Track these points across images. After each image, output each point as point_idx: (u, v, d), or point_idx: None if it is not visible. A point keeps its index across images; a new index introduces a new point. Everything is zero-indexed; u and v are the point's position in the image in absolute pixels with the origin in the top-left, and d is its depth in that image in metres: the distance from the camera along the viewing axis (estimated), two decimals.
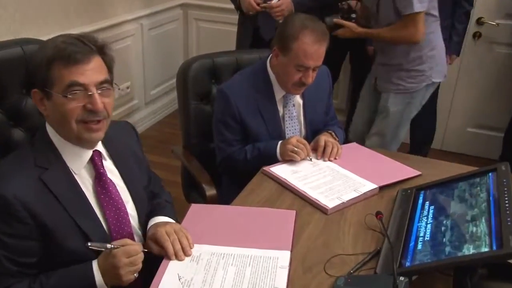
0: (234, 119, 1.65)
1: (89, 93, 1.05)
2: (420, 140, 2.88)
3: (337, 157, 1.64)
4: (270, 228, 1.26)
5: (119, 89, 1.14)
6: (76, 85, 1.04)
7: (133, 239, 1.19)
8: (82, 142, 1.10)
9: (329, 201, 1.39)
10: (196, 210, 1.36)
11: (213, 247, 1.17)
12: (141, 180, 1.28)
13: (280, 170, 1.58)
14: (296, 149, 1.58)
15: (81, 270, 1.06)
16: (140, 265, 1.06)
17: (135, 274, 1.06)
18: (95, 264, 1.06)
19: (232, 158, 1.69)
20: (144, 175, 1.31)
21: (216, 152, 1.74)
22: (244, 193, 1.47)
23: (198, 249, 1.17)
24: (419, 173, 1.56)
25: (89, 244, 1.02)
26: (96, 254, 1.06)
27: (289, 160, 1.60)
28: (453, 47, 2.61)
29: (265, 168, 1.58)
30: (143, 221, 1.24)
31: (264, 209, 1.36)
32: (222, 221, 1.29)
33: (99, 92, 1.06)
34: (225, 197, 1.55)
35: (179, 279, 1.07)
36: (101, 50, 1.09)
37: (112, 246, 1.04)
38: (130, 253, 1.04)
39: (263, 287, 1.05)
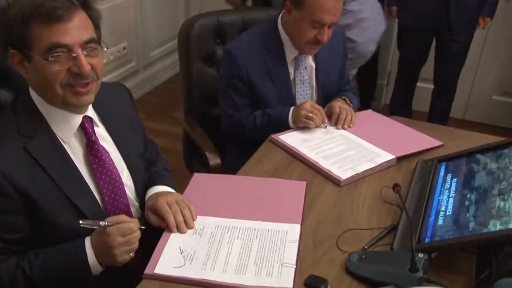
0: (242, 81, 1.63)
1: (74, 54, 1.00)
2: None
3: (351, 125, 1.63)
4: (278, 200, 1.26)
5: (107, 48, 1.10)
6: (58, 47, 0.98)
7: (129, 211, 1.18)
8: (69, 107, 1.06)
9: (343, 172, 1.38)
10: (198, 179, 1.35)
11: (218, 219, 1.17)
12: (136, 147, 1.26)
13: (289, 138, 1.56)
14: (310, 114, 1.57)
15: (73, 248, 1.04)
16: (136, 245, 1.04)
17: (131, 254, 1.05)
18: (87, 241, 1.04)
19: (239, 124, 1.68)
20: (140, 142, 1.29)
21: (222, 117, 1.73)
22: (251, 163, 1.46)
23: (201, 222, 1.16)
24: (440, 143, 1.55)
25: (80, 222, 1.00)
26: (90, 230, 1.04)
27: (300, 127, 1.59)
28: (487, 9, 2.54)
29: (274, 136, 1.58)
30: (140, 191, 1.22)
31: (272, 180, 1.36)
32: (227, 191, 1.29)
33: (85, 53, 1.01)
34: (230, 167, 1.55)
35: (181, 253, 1.07)
36: (85, 4, 1.03)
37: (106, 223, 1.01)
38: (125, 232, 1.02)
39: (271, 262, 1.05)
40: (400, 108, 2.94)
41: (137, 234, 1.04)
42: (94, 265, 1.03)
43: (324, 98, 1.75)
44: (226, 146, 1.85)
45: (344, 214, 1.24)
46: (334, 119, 1.63)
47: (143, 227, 1.09)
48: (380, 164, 1.43)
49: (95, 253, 1.03)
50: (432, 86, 2.91)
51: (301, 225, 1.17)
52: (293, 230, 1.14)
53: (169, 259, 1.05)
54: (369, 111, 1.80)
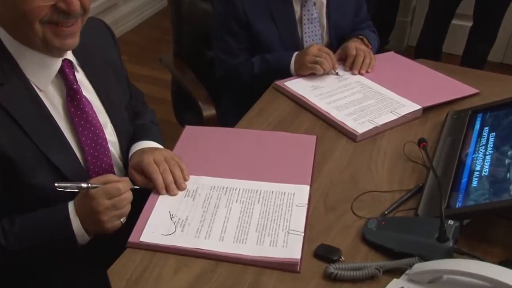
0: (239, 22, 1.62)
1: None
2: None
3: (369, 70, 1.62)
4: (284, 157, 1.25)
5: None
6: None
7: (113, 172, 1.17)
8: (49, 49, 1.02)
9: (359, 125, 1.37)
10: (191, 133, 1.34)
11: (214, 179, 1.16)
12: (121, 96, 1.25)
13: (297, 85, 1.56)
14: (317, 58, 1.55)
15: (55, 214, 1.02)
16: (127, 208, 1.03)
17: (121, 220, 1.03)
18: (71, 206, 1.02)
19: (235, 72, 1.68)
20: (124, 90, 1.28)
21: (215, 64, 1.72)
22: (251, 114, 1.46)
23: (194, 182, 1.16)
24: (476, 91, 1.54)
25: (56, 185, 0.98)
26: (71, 194, 1.02)
27: (308, 75, 1.59)
28: None
29: (278, 82, 1.57)
30: (125, 149, 1.21)
31: (276, 133, 1.35)
32: (224, 147, 1.28)
33: None
34: (227, 119, 1.57)
35: (171, 218, 1.06)
36: None
37: (89, 185, 1.00)
38: (111, 194, 1.00)
39: (275, 229, 1.04)
40: (428, 49, 2.91)
41: (127, 196, 1.03)
42: (80, 234, 1.01)
43: (337, 39, 1.74)
44: (222, 94, 1.84)
45: (361, 174, 1.23)
46: (349, 63, 1.62)
47: (136, 187, 1.08)
48: (404, 116, 1.41)
49: (80, 220, 1.01)
50: (469, 24, 2.84)
51: (311, 186, 1.16)
52: (301, 192, 1.13)
53: (157, 225, 1.04)
54: (391, 53, 1.79)
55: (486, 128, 1.27)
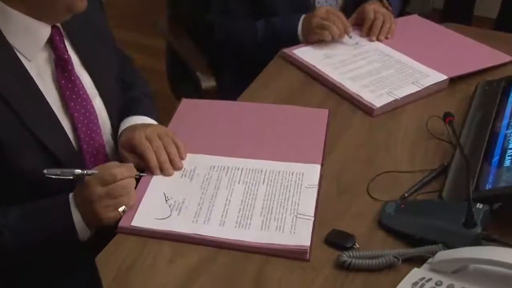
0: None
1: None
2: None
3: (389, 36, 1.62)
4: (292, 133, 1.25)
5: None
6: None
7: (104, 152, 1.17)
8: (41, 12, 1.03)
9: (376, 98, 1.37)
10: (188, 107, 1.34)
11: (213, 158, 1.17)
12: (110, 67, 1.25)
13: (307, 53, 1.56)
14: (325, 22, 1.54)
15: (55, 206, 1.02)
16: (126, 198, 1.02)
17: (120, 210, 1.01)
18: (71, 198, 1.02)
19: (236, 37, 1.68)
20: (113, 59, 1.28)
21: (215, 27, 1.72)
22: (256, 86, 1.46)
23: (192, 161, 1.16)
24: (511, 58, 1.53)
25: (45, 171, 0.98)
26: (71, 182, 1.01)
27: (316, 41, 1.58)
28: None
29: (286, 50, 1.58)
30: (116, 124, 1.22)
31: (284, 107, 1.35)
32: (225, 122, 1.29)
33: None
34: (228, 91, 1.55)
35: (166, 201, 1.07)
36: None
37: (84, 171, 1.00)
38: (104, 180, 1.00)
39: (282, 213, 1.04)
40: (457, 12, 2.89)
41: (124, 183, 1.01)
42: (82, 228, 1.01)
43: (353, 1, 1.73)
44: (224, 64, 1.84)
45: (378, 153, 1.23)
46: (366, 28, 1.62)
47: (142, 174, 1.08)
48: (427, 87, 1.41)
49: (80, 213, 1.00)
50: None
51: (322, 165, 1.16)
52: (312, 172, 1.13)
53: (150, 208, 1.05)
54: (414, 16, 1.79)
55: None
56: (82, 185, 1.00)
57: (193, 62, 1.72)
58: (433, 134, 1.27)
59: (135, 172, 1.05)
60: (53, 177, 0.99)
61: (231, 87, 1.63)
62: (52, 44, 1.08)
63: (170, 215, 1.03)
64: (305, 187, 1.09)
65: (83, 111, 1.11)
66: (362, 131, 1.30)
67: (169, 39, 1.90)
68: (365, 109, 1.35)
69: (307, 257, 0.96)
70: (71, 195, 1.02)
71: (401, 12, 1.87)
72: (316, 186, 1.10)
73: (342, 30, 1.56)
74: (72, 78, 1.10)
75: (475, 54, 1.54)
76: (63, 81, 1.08)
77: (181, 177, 1.12)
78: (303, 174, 1.12)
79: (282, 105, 1.36)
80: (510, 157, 1.11)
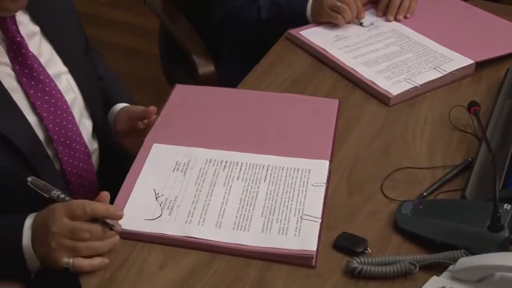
0: None
1: None
2: None
3: (409, 15, 1.62)
4: (298, 125, 1.26)
5: None
6: None
7: (81, 140, 1.18)
8: None
9: (393, 85, 1.37)
10: (182, 94, 1.35)
11: (210, 151, 1.17)
12: (78, 42, 1.29)
13: (316, 34, 1.56)
14: (338, 4, 1.55)
15: (10, 220, 1.00)
16: (83, 246, 0.95)
17: (70, 260, 0.95)
18: (30, 218, 0.99)
19: (237, 16, 1.69)
20: (80, 35, 1.32)
21: (213, 5, 1.73)
22: (258, 71, 1.47)
23: (186, 153, 1.17)
24: None
25: (29, 179, 0.98)
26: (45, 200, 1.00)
27: (327, 22, 1.59)
28: None
29: (292, 31, 1.58)
30: (93, 103, 1.24)
31: (289, 96, 1.35)
32: (224, 112, 1.29)
33: None
34: (227, 78, 1.57)
35: (156, 198, 1.07)
36: None
37: (60, 194, 0.98)
38: (73, 213, 0.95)
39: (286, 214, 1.04)
40: None
41: (91, 228, 0.95)
42: (30, 256, 0.98)
43: None
44: (223, 47, 1.86)
45: (394, 146, 1.23)
46: (382, 7, 1.63)
47: (118, 230, 0.99)
48: (451, 73, 1.41)
49: (32, 238, 0.97)
50: None
51: (331, 161, 1.16)
52: (319, 169, 1.13)
53: (138, 207, 1.05)
54: None
55: None
56: (49, 209, 0.98)
57: (189, 44, 1.73)
58: (457, 126, 1.27)
59: (106, 212, 0.98)
60: (33, 187, 0.99)
61: (231, 73, 1.63)
62: (3, 30, 1.09)
63: (161, 215, 1.04)
64: (312, 185, 1.10)
65: (46, 97, 1.12)
66: (376, 122, 1.30)
67: (162, 19, 1.91)
68: (381, 98, 1.35)
69: (313, 263, 0.97)
70: (33, 215, 1.00)
71: None
72: (324, 184, 1.10)
73: (355, 13, 1.56)
74: (28, 62, 1.11)
75: (506, 35, 1.54)
76: (17, 67, 1.10)
77: (173, 171, 1.12)
78: (309, 171, 1.12)
79: (287, 94, 1.36)
80: None
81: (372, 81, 1.38)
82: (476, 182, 1.09)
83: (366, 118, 1.31)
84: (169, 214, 1.04)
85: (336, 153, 1.19)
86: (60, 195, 0.99)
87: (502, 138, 1.19)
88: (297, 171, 1.12)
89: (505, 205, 0.97)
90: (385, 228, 1.04)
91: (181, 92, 1.35)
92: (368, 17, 1.60)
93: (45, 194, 0.99)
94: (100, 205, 0.97)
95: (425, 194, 1.10)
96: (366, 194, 1.11)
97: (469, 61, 1.43)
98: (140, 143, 1.19)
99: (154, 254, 0.98)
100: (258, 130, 1.24)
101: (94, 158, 1.25)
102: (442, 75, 1.39)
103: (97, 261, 0.95)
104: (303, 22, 1.61)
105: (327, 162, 1.15)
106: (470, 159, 1.16)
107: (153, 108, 1.22)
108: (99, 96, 1.29)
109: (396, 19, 1.60)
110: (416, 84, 1.36)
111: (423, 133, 1.26)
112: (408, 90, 1.35)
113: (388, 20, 1.60)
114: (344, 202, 1.10)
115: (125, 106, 1.32)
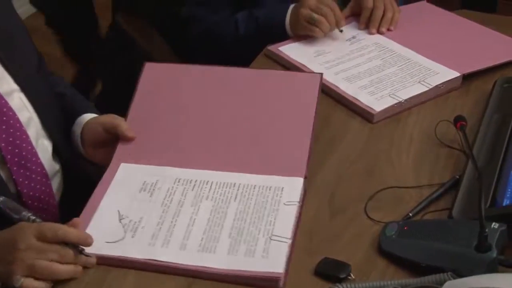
0: None
1: None
2: None
3: (392, 27, 1.63)
4: (273, 126, 1.25)
5: None
6: None
7: (37, 159, 1.18)
8: None
9: (377, 101, 1.38)
10: (152, 77, 1.34)
11: (180, 171, 1.18)
12: (30, 60, 1.29)
13: (296, 50, 1.57)
14: (315, 15, 1.55)
15: None
16: (44, 267, 0.95)
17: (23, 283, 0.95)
18: None
19: (215, 31, 1.70)
20: (29, 48, 1.31)
21: (189, 22, 1.74)
22: None
23: (155, 173, 1.18)
24: None
25: (1, 199, 1.01)
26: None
27: (307, 36, 1.60)
28: None
29: (271, 47, 1.59)
30: (50, 122, 1.24)
31: (265, 73, 1.39)
32: (195, 102, 1.30)
33: None
34: None
35: (120, 220, 1.08)
36: None
37: (30, 215, 1.01)
38: (43, 234, 0.96)
39: (254, 235, 1.05)
40: None
41: (60, 251, 0.97)
42: None
43: None
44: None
45: (379, 165, 1.24)
46: (364, 19, 1.64)
47: (86, 253, 1.01)
48: (436, 87, 1.41)
49: None
50: None
51: (305, 178, 1.16)
52: (293, 187, 1.14)
53: (100, 229, 1.06)
54: (422, 2, 1.80)
55: None
56: (17, 227, 0.98)
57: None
58: (443, 142, 1.27)
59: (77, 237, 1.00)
60: (3, 208, 1.00)
61: None
62: None
63: (124, 237, 1.05)
64: (284, 204, 1.10)
65: None
66: (360, 140, 1.30)
67: (135, 37, 1.93)
68: (364, 114, 1.36)
69: (280, 286, 0.97)
70: None
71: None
72: (297, 203, 1.10)
73: (334, 25, 1.57)
74: None
75: (493, 46, 1.55)
76: None
77: (139, 192, 1.14)
78: (282, 189, 1.13)
79: (263, 70, 1.41)
80: None
81: (354, 97, 1.38)
82: (464, 201, 1.09)
83: (349, 136, 1.31)
84: (132, 237, 1.05)
85: (317, 173, 1.20)
86: (31, 216, 1.01)
87: (489, 154, 1.19)
88: (269, 189, 1.13)
89: (493, 224, 0.97)
90: (369, 251, 1.04)
91: (150, 74, 1.34)
92: (350, 30, 1.62)
93: (15, 216, 1.01)
94: (72, 230, 0.98)
95: (411, 214, 1.10)
96: (349, 216, 1.11)
97: (455, 74, 1.43)
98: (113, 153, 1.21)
99: (128, 279, 0.98)
100: (233, 128, 1.25)
101: (56, 181, 1.24)
102: (428, 89, 1.40)
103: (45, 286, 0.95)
104: (283, 36, 1.61)
105: (301, 180, 1.15)
106: (457, 177, 1.16)
107: (132, 137, 1.22)
108: (59, 116, 1.28)
109: (379, 32, 1.61)
110: (401, 99, 1.37)
111: (409, 150, 1.27)
112: (392, 106, 1.36)
113: (370, 33, 1.62)
114: (326, 225, 1.10)
115: (96, 117, 1.30)
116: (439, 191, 1.15)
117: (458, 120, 1.23)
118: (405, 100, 1.37)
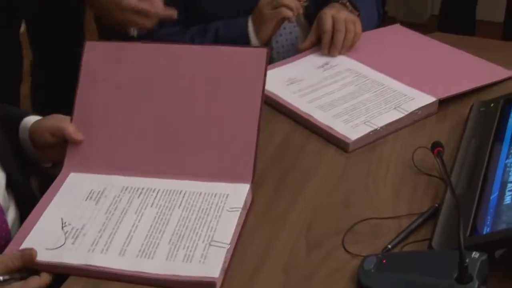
0: None
1: None
2: None
3: (354, 44, 1.65)
4: (217, 121, 1.25)
5: None
6: None
7: None
8: None
9: (352, 129, 1.39)
10: (96, 59, 1.32)
11: (127, 179, 1.22)
12: None
13: (268, 79, 1.51)
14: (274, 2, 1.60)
15: None
16: None
17: None
18: None
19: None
20: None
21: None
22: None
23: (103, 182, 1.22)
24: (511, 73, 1.57)
25: None
26: None
27: (278, 64, 1.62)
28: None
29: None
30: (12, 168, 1.25)
31: (209, 50, 1.35)
32: (138, 92, 1.29)
33: None
34: None
35: (63, 227, 1.12)
36: None
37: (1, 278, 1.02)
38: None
39: (194, 240, 1.09)
40: (456, 17, 2.97)
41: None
42: None
43: (316, 5, 1.74)
44: None
45: (356, 196, 1.25)
46: (326, 44, 1.63)
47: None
48: (413, 113, 1.43)
49: None
50: None
51: (252, 182, 1.19)
52: (238, 193, 1.18)
53: (42, 237, 1.09)
54: (396, 26, 1.82)
55: None
56: None
57: None
58: (421, 169, 1.28)
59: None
60: None
61: None
62: None
63: (64, 243, 1.08)
64: (227, 210, 1.14)
65: None
66: (335, 170, 1.31)
67: None
68: (339, 144, 1.36)
69: None
70: None
71: (382, 18, 1.89)
72: (240, 210, 1.14)
73: (295, 4, 1.59)
74: None
75: (470, 69, 1.57)
76: None
77: (85, 200, 1.17)
78: (227, 195, 1.17)
79: (208, 46, 1.41)
80: (510, 193, 1.12)
81: (329, 126, 1.38)
82: (443, 230, 1.10)
83: (324, 166, 1.32)
84: (73, 243, 1.08)
85: (293, 206, 1.21)
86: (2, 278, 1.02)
87: (468, 180, 1.20)
88: (214, 196, 1.17)
89: (473, 253, 0.98)
90: (347, 287, 1.04)
91: (92, 56, 1.32)
92: (322, 57, 1.62)
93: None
94: (14, 255, 1.04)
95: (390, 246, 1.10)
96: (326, 251, 1.11)
97: (431, 99, 1.44)
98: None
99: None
100: (178, 120, 1.26)
101: (11, 213, 1.24)
102: (404, 115, 1.41)
103: None
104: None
105: (247, 187, 1.18)
106: (437, 205, 1.17)
107: (80, 140, 1.25)
108: (7, 145, 1.27)
109: (340, 53, 1.63)
110: (376, 127, 1.37)
111: (386, 179, 1.27)
112: (368, 134, 1.36)
113: (333, 55, 1.62)
114: (303, 260, 1.09)
115: (40, 121, 1.30)
116: (418, 221, 1.15)
117: (436, 147, 1.24)
118: (381, 128, 1.38)
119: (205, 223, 1.12)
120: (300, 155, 1.34)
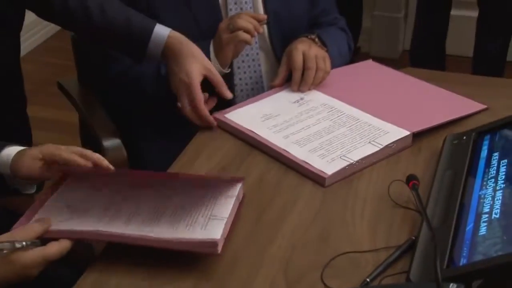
0: (139, 8, 1.64)
1: None
2: None
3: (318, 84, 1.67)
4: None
5: None
6: None
7: None
8: None
9: (328, 164, 1.40)
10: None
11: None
12: None
13: (242, 115, 1.58)
14: (229, 23, 1.58)
15: None
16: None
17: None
18: None
19: (134, 70, 1.70)
20: None
21: (106, 61, 1.75)
22: (183, 160, 1.47)
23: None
24: (483, 106, 1.59)
25: None
26: None
27: (253, 100, 1.64)
28: None
29: (217, 114, 1.59)
30: None
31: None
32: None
33: None
34: (147, 160, 1.69)
35: (68, 207, 1.24)
36: None
37: (23, 243, 1.09)
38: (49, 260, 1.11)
39: (194, 217, 1.19)
40: (426, 52, 3.03)
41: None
42: None
43: (283, 38, 1.75)
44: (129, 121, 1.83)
45: (333, 230, 1.25)
46: (296, 82, 1.65)
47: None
48: (387, 147, 1.45)
49: None
50: (475, 14, 2.95)
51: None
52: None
53: (49, 214, 1.21)
54: (368, 61, 1.84)
55: (496, 154, 1.31)
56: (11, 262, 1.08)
57: (99, 130, 1.72)
58: (398, 203, 1.29)
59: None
60: None
61: (152, 155, 1.71)
62: None
63: (72, 217, 1.20)
64: (224, 197, 1.24)
65: None
66: (313, 205, 1.31)
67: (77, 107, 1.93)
68: (315, 178, 1.37)
69: (218, 250, 1.11)
70: None
71: (354, 54, 1.92)
72: (235, 196, 1.24)
73: (253, 20, 1.58)
74: None
75: (442, 103, 1.59)
76: None
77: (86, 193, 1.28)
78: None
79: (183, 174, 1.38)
80: (486, 224, 1.13)
81: (305, 162, 1.39)
82: (421, 263, 1.11)
83: (301, 202, 1.32)
84: (79, 217, 1.20)
85: (271, 242, 1.21)
86: (23, 244, 1.09)
87: (444, 212, 1.21)
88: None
89: (451, 284, 0.98)
90: None
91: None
92: (296, 93, 1.64)
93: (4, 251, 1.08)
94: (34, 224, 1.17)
95: (368, 280, 1.10)
96: (305, 286, 1.11)
97: (405, 133, 1.46)
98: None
99: None
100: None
101: None
102: (378, 149, 1.42)
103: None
104: None
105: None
106: (414, 238, 1.18)
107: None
108: None
109: (310, 89, 1.64)
110: (352, 161, 1.38)
111: (363, 213, 1.28)
112: (344, 168, 1.37)
113: (302, 91, 1.64)
114: None
115: (24, 150, 1.26)
116: (395, 254, 1.16)
117: (411, 180, 1.26)
118: (357, 162, 1.39)
119: (205, 205, 1.21)
120: (277, 191, 1.35)
